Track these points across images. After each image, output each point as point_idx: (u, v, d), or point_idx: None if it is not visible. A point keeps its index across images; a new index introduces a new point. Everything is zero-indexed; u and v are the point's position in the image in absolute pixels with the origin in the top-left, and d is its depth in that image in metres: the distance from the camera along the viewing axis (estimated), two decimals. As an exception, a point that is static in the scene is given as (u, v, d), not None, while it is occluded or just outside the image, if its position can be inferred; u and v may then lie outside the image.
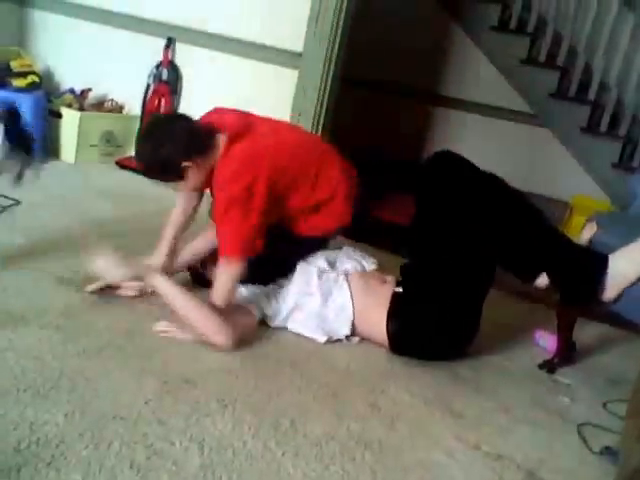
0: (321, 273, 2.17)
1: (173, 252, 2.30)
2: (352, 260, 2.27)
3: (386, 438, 1.63)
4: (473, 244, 2.02)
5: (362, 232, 2.85)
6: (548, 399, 2.03)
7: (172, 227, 2.31)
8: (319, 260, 2.23)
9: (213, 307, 1.94)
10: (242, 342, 1.95)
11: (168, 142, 1.98)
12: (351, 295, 2.12)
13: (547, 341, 2.37)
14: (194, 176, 2.03)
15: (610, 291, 1.97)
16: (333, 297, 2.12)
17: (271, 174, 2.01)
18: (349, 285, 2.14)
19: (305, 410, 1.68)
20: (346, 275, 2.18)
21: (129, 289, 2.15)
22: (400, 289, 2.09)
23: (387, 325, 2.06)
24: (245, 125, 2.11)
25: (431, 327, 2.04)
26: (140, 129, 2.05)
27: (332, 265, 2.24)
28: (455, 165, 2.09)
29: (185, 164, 1.99)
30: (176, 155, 1.99)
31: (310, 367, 1.92)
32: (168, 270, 2.20)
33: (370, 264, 2.29)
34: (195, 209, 2.33)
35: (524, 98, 4.80)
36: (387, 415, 1.74)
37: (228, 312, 1.97)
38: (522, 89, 4.79)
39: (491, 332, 2.29)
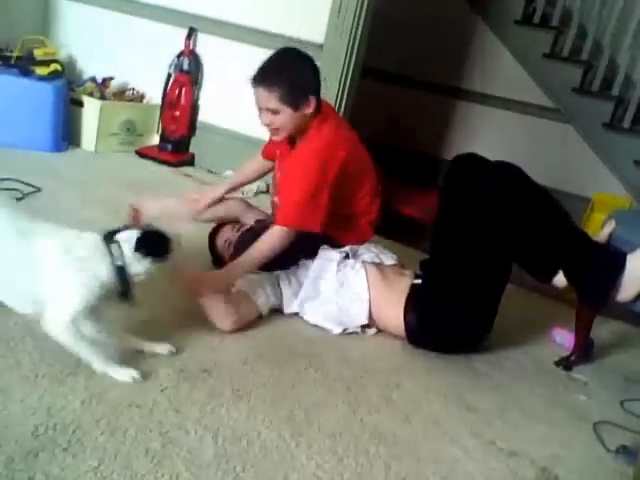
0: (341, 260, 2.17)
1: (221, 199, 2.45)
2: (371, 252, 2.27)
3: (400, 432, 1.63)
4: (492, 241, 2.01)
5: (381, 226, 2.85)
6: (564, 396, 2.02)
7: (235, 178, 2.50)
8: (340, 249, 2.24)
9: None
10: (249, 332, 1.99)
11: (309, 73, 2.13)
12: (368, 284, 2.12)
13: (565, 338, 2.35)
14: (291, 120, 2.09)
15: (627, 291, 1.95)
16: (349, 284, 2.13)
17: (348, 159, 2.12)
18: (366, 274, 2.14)
19: (319, 402, 1.68)
20: (364, 264, 2.18)
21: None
22: (419, 281, 2.09)
23: (405, 316, 2.06)
24: (334, 113, 2.26)
25: (448, 319, 2.04)
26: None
27: (353, 254, 2.24)
28: (477, 165, 2.07)
29: (307, 98, 2.07)
30: (309, 85, 2.10)
31: (325, 359, 1.92)
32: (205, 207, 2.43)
33: (389, 259, 2.28)
34: (257, 178, 2.52)
35: (547, 93, 4.74)
36: (402, 409, 1.74)
37: (233, 298, 2.00)
38: (545, 84, 4.72)
39: (509, 328, 2.28)
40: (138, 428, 1.41)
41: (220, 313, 1.93)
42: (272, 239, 2.03)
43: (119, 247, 1.51)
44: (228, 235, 2.37)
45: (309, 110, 2.09)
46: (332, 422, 1.60)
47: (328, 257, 2.20)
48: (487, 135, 4.97)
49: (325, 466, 1.43)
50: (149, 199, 2.41)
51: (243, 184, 2.49)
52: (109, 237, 1.54)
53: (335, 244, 2.27)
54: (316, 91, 2.12)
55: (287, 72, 2.07)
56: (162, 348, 1.70)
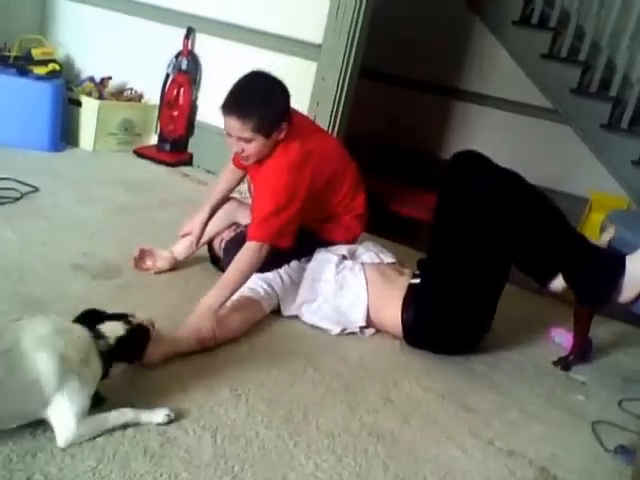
0: (339, 262, 2.17)
1: (209, 219, 2.37)
2: (370, 252, 2.27)
3: (399, 431, 1.63)
4: (490, 242, 2.01)
5: (380, 226, 2.85)
6: (563, 396, 2.02)
7: (216, 193, 2.40)
8: (338, 249, 2.24)
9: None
10: (248, 330, 1.98)
11: (280, 100, 2.08)
12: (366, 284, 2.12)
13: (563, 338, 2.35)
14: (262, 147, 2.06)
15: (628, 292, 1.95)
16: (348, 285, 2.13)
17: (314, 173, 2.10)
18: (365, 274, 2.14)
19: (318, 402, 1.68)
20: (363, 265, 2.18)
21: (164, 261, 2.29)
22: (416, 280, 2.09)
23: (402, 314, 2.06)
24: (302, 124, 2.19)
25: (445, 317, 2.04)
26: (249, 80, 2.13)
27: (351, 255, 2.24)
28: (477, 164, 2.07)
29: (280, 125, 2.05)
30: (282, 111, 2.07)
31: (323, 359, 1.92)
32: (197, 239, 2.34)
33: (388, 257, 2.28)
34: (235, 187, 2.44)
35: (544, 93, 4.75)
36: (400, 408, 1.74)
37: (236, 305, 1.99)
38: (543, 84, 4.73)
39: (506, 328, 2.28)
40: (136, 428, 1.40)
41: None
42: (246, 256, 1.97)
43: (107, 344, 1.41)
44: (224, 234, 2.36)
45: (281, 136, 2.07)
46: (331, 422, 1.60)
47: (326, 259, 2.20)
48: (485, 135, 4.97)
49: (324, 466, 1.43)
50: (162, 253, 2.32)
51: (223, 199, 2.41)
52: (94, 329, 1.42)
53: (325, 242, 2.27)
54: (287, 115, 2.09)
55: (260, 102, 2.02)
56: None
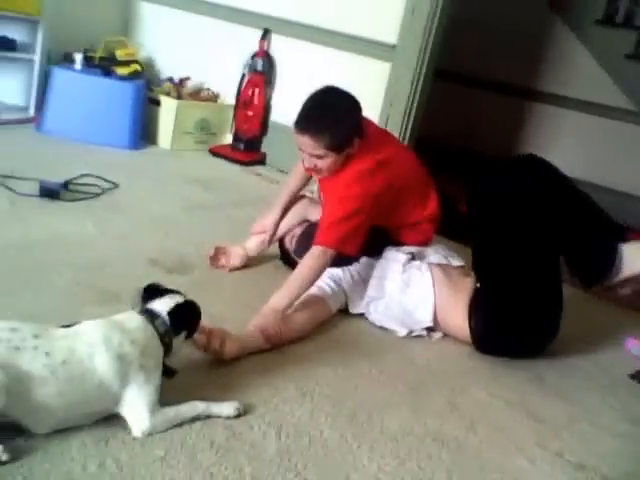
0: (407, 261, 2.17)
1: (281, 219, 2.39)
2: (439, 254, 2.25)
3: (464, 438, 1.61)
4: (539, 240, 1.98)
5: (451, 229, 2.81)
6: (637, 410, 1.94)
7: (287, 192, 2.41)
8: (407, 249, 2.23)
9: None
10: (316, 329, 1.99)
11: (353, 116, 2.08)
12: (433, 286, 2.10)
13: (641, 350, 2.26)
14: (334, 163, 2.07)
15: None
16: (414, 284, 2.11)
17: (385, 184, 2.09)
18: (432, 276, 2.12)
19: (383, 404, 1.68)
20: (430, 265, 2.16)
21: (237, 258, 2.34)
22: (478, 285, 2.06)
23: (469, 320, 2.03)
24: (374, 135, 2.18)
25: (511, 321, 2.00)
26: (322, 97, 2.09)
27: (419, 256, 2.23)
28: (536, 170, 2.02)
29: (352, 141, 2.05)
30: (354, 128, 2.06)
31: (390, 361, 1.92)
32: (270, 238, 2.38)
33: (456, 261, 2.25)
34: (305, 185, 2.44)
35: (628, 95, 4.58)
36: (466, 415, 1.71)
37: (303, 303, 2.00)
38: (627, 86, 4.56)
39: (579, 335, 2.21)
40: (204, 421, 1.43)
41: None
42: (311, 260, 1.98)
43: (164, 322, 1.42)
44: (295, 231, 2.39)
45: (353, 151, 2.07)
46: (395, 424, 1.59)
47: (394, 258, 2.19)
48: (564, 138, 4.84)
49: (386, 468, 1.42)
50: (232, 247, 2.37)
51: (294, 198, 2.43)
52: (150, 314, 1.43)
53: (397, 243, 2.26)
54: (359, 131, 2.08)
55: (333, 120, 2.01)
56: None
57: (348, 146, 2.05)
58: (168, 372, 1.44)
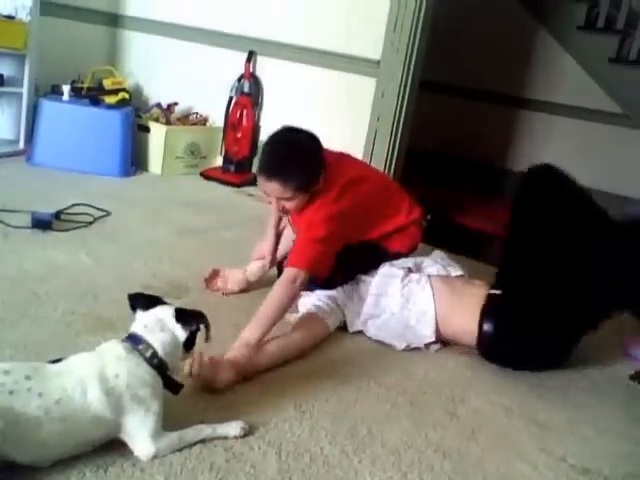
0: (405, 275, 2.16)
1: (277, 243, 2.39)
2: (437, 264, 2.25)
3: (466, 448, 1.60)
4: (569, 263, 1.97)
5: (445, 239, 2.82)
6: (639, 412, 1.94)
7: (275, 218, 2.39)
8: (404, 263, 2.23)
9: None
10: (314, 349, 1.98)
11: (316, 154, 2.07)
12: (434, 299, 2.09)
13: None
14: (302, 201, 2.04)
15: None
16: (415, 299, 2.10)
17: (350, 207, 2.09)
18: (432, 288, 2.11)
19: (383, 418, 1.67)
20: (429, 277, 2.16)
21: (234, 283, 2.33)
22: (497, 291, 2.05)
23: (480, 324, 2.01)
24: (330, 160, 2.14)
25: (529, 334, 1.98)
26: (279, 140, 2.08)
27: (417, 268, 2.23)
28: (554, 180, 2.04)
29: (318, 178, 2.04)
30: (319, 165, 2.05)
31: (388, 374, 1.91)
32: (270, 264, 2.37)
33: (456, 270, 2.25)
34: None
35: (614, 99, 4.61)
36: (467, 424, 1.71)
37: (300, 322, 2.02)
38: (612, 89, 4.60)
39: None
40: (203, 444, 1.43)
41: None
42: (282, 288, 1.93)
43: (148, 345, 1.39)
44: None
45: (319, 186, 2.05)
46: (396, 438, 1.59)
47: (391, 274, 2.18)
48: (553, 144, 4.87)
49: (389, 482, 1.42)
50: (230, 270, 2.37)
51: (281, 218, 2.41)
52: (133, 340, 1.40)
53: (387, 251, 2.25)
54: (323, 165, 2.07)
55: (299, 162, 2.01)
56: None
57: (315, 184, 2.04)
58: (172, 387, 1.43)
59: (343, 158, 2.29)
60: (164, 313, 1.44)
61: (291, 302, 1.96)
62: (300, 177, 2.00)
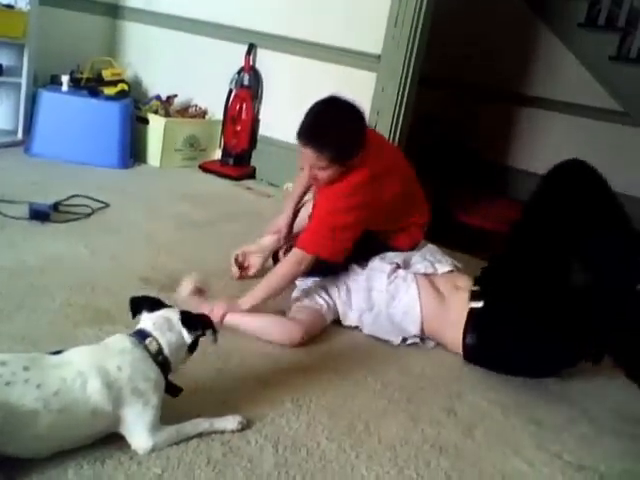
0: (392, 271, 2.15)
1: (294, 220, 2.42)
2: (426, 261, 2.21)
3: (462, 444, 1.60)
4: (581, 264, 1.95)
5: (445, 236, 2.81)
6: (637, 410, 1.94)
7: (295, 195, 2.44)
8: (393, 257, 2.22)
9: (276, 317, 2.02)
10: (310, 340, 1.99)
11: (358, 128, 2.05)
12: (420, 297, 2.07)
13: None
14: (335, 174, 2.03)
15: None
16: (400, 296, 2.09)
17: (375, 200, 2.08)
18: (418, 287, 2.09)
19: (380, 413, 1.68)
20: (415, 275, 2.13)
21: (257, 260, 2.41)
22: (479, 304, 1.99)
23: (463, 337, 1.99)
24: (372, 142, 2.12)
25: (514, 347, 1.93)
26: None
27: (405, 264, 2.21)
28: (583, 179, 2.03)
29: (356, 153, 2.01)
30: (358, 140, 2.03)
31: (385, 370, 1.91)
32: (285, 239, 2.39)
33: (445, 266, 2.20)
34: (310, 188, 2.44)
35: (614, 96, 4.61)
36: (463, 421, 1.71)
37: (297, 314, 2.03)
38: (613, 87, 4.59)
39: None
40: (200, 438, 1.43)
41: (286, 329, 1.96)
42: (289, 262, 2.02)
43: (155, 341, 1.39)
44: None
45: (356, 162, 2.03)
46: (392, 433, 1.59)
47: (378, 268, 2.17)
48: (552, 140, 4.86)
49: (385, 477, 1.42)
50: (250, 248, 2.42)
51: (305, 194, 2.48)
52: (140, 334, 1.40)
53: (385, 245, 2.26)
54: (363, 142, 2.04)
55: (338, 133, 1.98)
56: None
57: (351, 158, 2.02)
58: (171, 390, 1.43)
59: (384, 143, 2.29)
60: (171, 315, 1.44)
61: (291, 282, 2.04)
62: (337, 149, 1.98)
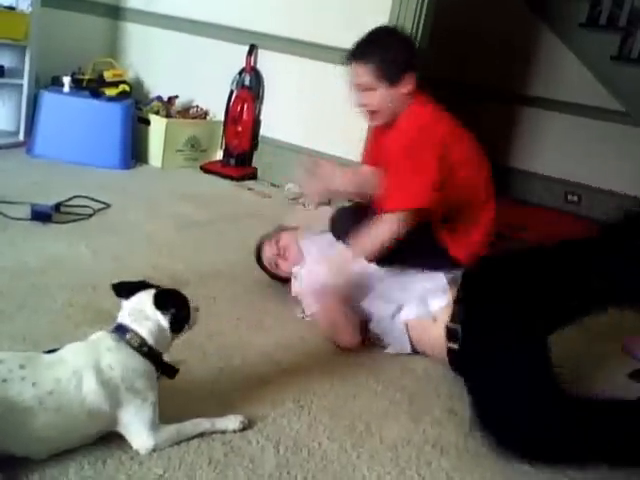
0: (395, 311, 1.99)
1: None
2: (420, 308, 1.96)
3: (464, 444, 1.60)
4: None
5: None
6: None
7: (358, 175, 2.33)
8: (395, 298, 2.02)
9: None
10: (311, 343, 1.99)
11: (403, 47, 2.07)
12: (410, 342, 2.00)
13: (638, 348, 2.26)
14: (387, 99, 1.96)
15: None
16: (393, 335, 2.01)
17: (447, 139, 2.00)
18: (409, 336, 1.99)
19: (381, 414, 1.67)
20: (406, 324, 1.99)
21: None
22: (454, 345, 1.82)
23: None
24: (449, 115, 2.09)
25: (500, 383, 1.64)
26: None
27: (399, 309, 2.00)
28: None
29: (404, 74, 1.96)
30: (405, 60, 2.02)
31: (386, 370, 1.91)
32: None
33: (440, 301, 1.92)
34: (366, 190, 2.25)
35: (616, 96, 4.61)
36: (465, 421, 1.70)
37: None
38: (614, 87, 4.59)
39: (577, 337, 2.20)
40: (201, 438, 1.43)
41: (349, 331, 1.95)
42: (385, 227, 1.87)
43: (135, 335, 1.35)
44: (271, 252, 2.32)
45: (406, 88, 1.96)
46: (394, 434, 1.59)
47: (389, 298, 2.03)
48: (555, 141, 4.86)
49: (387, 478, 1.42)
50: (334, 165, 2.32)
51: (356, 187, 2.32)
52: (120, 330, 1.37)
53: (442, 253, 2.09)
54: (413, 68, 2.01)
55: (381, 46, 2.01)
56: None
57: (399, 78, 1.95)
58: (168, 372, 1.41)
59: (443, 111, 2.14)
60: (144, 300, 1.39)
61: (387, 242, 1.89)
62: (380, 58, 1.96)
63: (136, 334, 1.36)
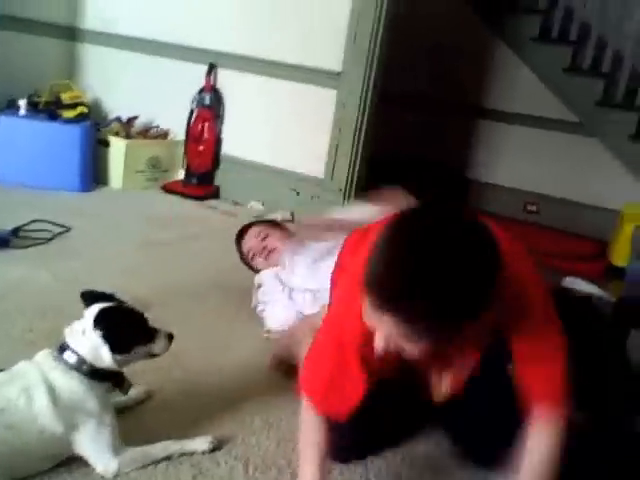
0: None
1: None
2: None
3: (438, 456, 1.61)
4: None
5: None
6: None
7: None
8: None
9: None
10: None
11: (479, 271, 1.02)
12: None
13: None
14: (484, 328, 1.12)
15: None
16: None
17: None
18: None
19: (350, 428, 1.67)
20: None
21: None
22: None
23: None
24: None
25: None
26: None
27: None
28: None
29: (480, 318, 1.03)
30: (485, 301, 1.02)
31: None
32: None
33: None
34: None
35: (569, 108, 4.72)
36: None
37: None
38: (567, 98, 4.70)
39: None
40: (169, 461, 1.41)
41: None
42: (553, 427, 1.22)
43: (73, 353, 1.30)
44: (255, 244, 2.32)
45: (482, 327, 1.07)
46: (363, 448, 1.59)
47: None
48: (511, 152, 4.94)
49: (357, 493, 1.42)
50: None
51: None
52: (60, 348, 1.32)
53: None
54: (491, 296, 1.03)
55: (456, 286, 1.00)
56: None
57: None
58: (118, 383, 1.36)
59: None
60: (88, 316, 1.32)
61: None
62: (436, 330, 1.02)
63: (74, 352, 1.30)
